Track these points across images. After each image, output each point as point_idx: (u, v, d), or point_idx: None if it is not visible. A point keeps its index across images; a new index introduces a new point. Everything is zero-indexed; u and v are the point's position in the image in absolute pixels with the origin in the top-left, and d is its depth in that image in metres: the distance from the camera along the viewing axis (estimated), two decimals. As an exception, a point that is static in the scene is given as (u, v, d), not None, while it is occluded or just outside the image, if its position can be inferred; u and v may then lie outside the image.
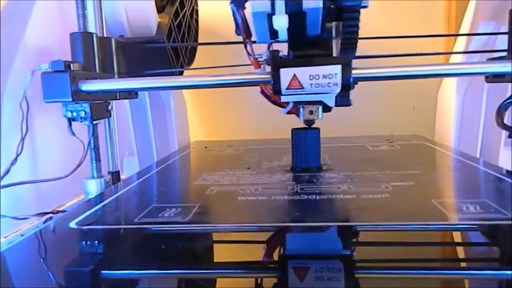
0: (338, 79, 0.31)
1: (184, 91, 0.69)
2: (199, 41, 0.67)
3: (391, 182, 0.36)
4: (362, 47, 0.45)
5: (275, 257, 0.24)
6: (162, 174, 0.46)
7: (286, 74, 0.31)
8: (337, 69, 0.31)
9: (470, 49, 0.54)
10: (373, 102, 0.76)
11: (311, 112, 0.35)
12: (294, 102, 0.35)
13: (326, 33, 0.33)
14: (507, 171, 0.39)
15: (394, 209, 0.30)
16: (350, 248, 0.25)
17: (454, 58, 0.61)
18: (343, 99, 0.35)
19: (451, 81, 0.62)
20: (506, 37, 0.40)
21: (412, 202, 0.32)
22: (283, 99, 0.33)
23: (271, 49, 0.35)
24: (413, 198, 0.33)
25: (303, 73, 0.31)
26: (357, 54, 0.45)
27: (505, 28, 0.41)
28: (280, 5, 0.28)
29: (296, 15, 0.29)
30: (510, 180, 0.36)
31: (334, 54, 0.35)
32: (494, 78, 0.41)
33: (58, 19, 0.48)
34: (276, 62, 0.32)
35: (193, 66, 0.64)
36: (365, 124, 0.75)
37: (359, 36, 0.32)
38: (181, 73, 0.57)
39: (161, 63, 0.51)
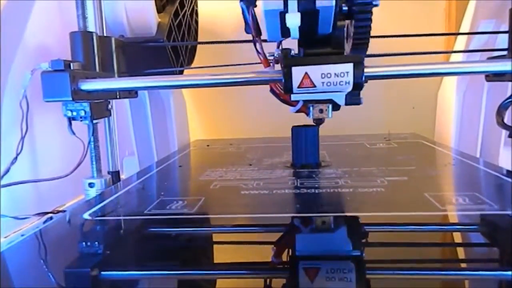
0: (350, 78, 0.31)
1: (184, 90, 0.69)
2: (199, 41, 0.67)
3: (386, 177, 0.38)
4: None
5: (275, 255, 0.24)
6: (167, 171, 0.47)
7: (297, 73, 0.31)
8: (349, 67, 0.31)
9: (471, 49, 0.54)
10: (373, 101, 0.76)
11: (321, 111, 0.35)
12: (303, 100, 0.35)
13: (338, 31, 0.33)
14: (497, 166, 0.41)
15: (388, 201, 0.31)
16: (344, 240, 0.26)
17: (454, 57, 0.61)
18: (353, 97, 0.35)
19: (451, 81, 0.62)
20: (506, 36, 0.40)
21: (405, 195, 0.33)
22: (294, 97, 0.33)
23: (281, 47, 0.35)
24: (406, 191, 0.34)
25: (315, 71, 0.31)
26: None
27: (505, 27, 0.41)
28: (293, 3, 0.28)
29: (309, 13, 0.29)
30: (499, 175, 0.37)
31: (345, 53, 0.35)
32: (494, 77, 0.41)
33: (58, 19, 0.48)
34: (288, 61, 0.32)
35: (192, 66, 0.64)
36: (365, 123, 0.75)
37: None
38: (181, 73, 0.57)
39: (161, 63, 0.51)
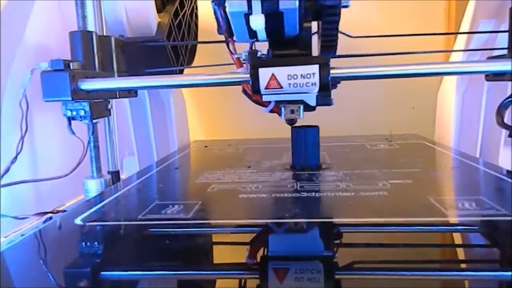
0: (316, 79, 0.31)
1: (184, 91, 0.69)
2: (199, 41, 0.67)
3: (389, 180, 0.37)
4: (362, 46, 0.46)
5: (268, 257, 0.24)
6: (164, 173, 0.46)
7: (264, 74, 0.31)
8: (314, 68, 0.31)
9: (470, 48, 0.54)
10: (373, 101, 0.76)
11: (292, 111, 0.35)
12: (275, 101, 0.36)
13: (305, 32, 0.33)
14: (506, 170, 0.39)
15: (392, 206, 0.30)
16: (346, 246, 0.25)
17: (454, 57, 0.61)
18: (324, 98, 0.35)
19: (451, 81, 0.62)
20: (506, 36, 0.40)
21: (410, 199, 0.32)
22: (264, 98, 0.33)
23: (254, 48, 0.35)
24: (410, 195, 0.33)
25: (282, 72, 0.31)
26: (357, 52, 0.45)
27: (505, 27, 0.41)
28: (257, 5, 0.28)
29: (273, 15, 0.29)
30: (507, 179, 0.36)
31: (316, 54, 0.35)
32: (494, 76, 0.41)
33: (57, 18, 0.48)
34: (255, 62, 0.32)
35: (192, 66, 0.64)
36: (365, 124, 0.75)
37: (360, 35, 0.32)
38: (181, 72, 0.57)
39: (161, 63, 0.51)
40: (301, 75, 0.31)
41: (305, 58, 0.32)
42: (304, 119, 0.37)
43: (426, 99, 0.71)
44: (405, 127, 0.69)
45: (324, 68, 0.31)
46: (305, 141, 0.43)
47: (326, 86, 0.31)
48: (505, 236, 0.25)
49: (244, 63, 0.35)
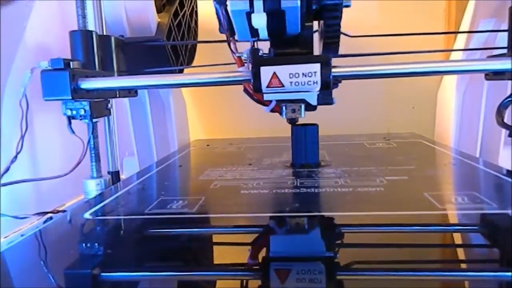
0: (318, 77, 0.31)
1: (184, 91, 0.69)
2: (199, 40, 0.67)
3: (385, 177, 0.38)
4: (363, 46, 0.46)
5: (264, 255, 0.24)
6: (167, 171, 0.47)
7: (266, 72, 0.31)
8: (316, 67, 0.31)
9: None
10: (373, 101, 0.76)
11: (293, 111, 0.35)
12: (276, 100, 0.36)
13: (307, 31, 0.33)
14: (498, 166, 0.41)
15: (387, 200, 0.31)
16: (343, 240, 0.26)
17: (454, 57, 0.61)
18: (325, 97, 0.35)
19: (451, 80, 0.62)
20: (506, 35, 0.40)
21: (405, 194, 0.33)
22: (265, 97, 0.33)
23: (256, 46, 0.35)
24: (406, 191, 0.34)
25: (283, 71, 0.31)
26: (357, 52, 0.45)
27: (505, 26, 0.41)
28: (258, 3, 0.28)
29: (275, 13, 0.29)
30: (498, 174, 0.37)
31: (318, 53, 0.35)
32: (494, 75, 0.41)
33: (58, 18, 0.48)
34: (256, 60, 0.32)
35: (192, 65, 0.64)
36: (365, 123, 0.75)
37: (360, 35, 0.32)
38: (180, 72, 0.57)
39: (161, 63, 0.51)
40: (303, 73, 0.31)
41: (307, 57, 0.33)
42: (304, 117, 0.37)
43: (426, 98, 0.71)
44: (405, 127, 0.69)
45: (326, 66, 0.31)
46: (305, 139, 0.44)
47: (328, 84, 0.31)
48: (495, 230, 0.26)
49: (245, 62, 0.35)
